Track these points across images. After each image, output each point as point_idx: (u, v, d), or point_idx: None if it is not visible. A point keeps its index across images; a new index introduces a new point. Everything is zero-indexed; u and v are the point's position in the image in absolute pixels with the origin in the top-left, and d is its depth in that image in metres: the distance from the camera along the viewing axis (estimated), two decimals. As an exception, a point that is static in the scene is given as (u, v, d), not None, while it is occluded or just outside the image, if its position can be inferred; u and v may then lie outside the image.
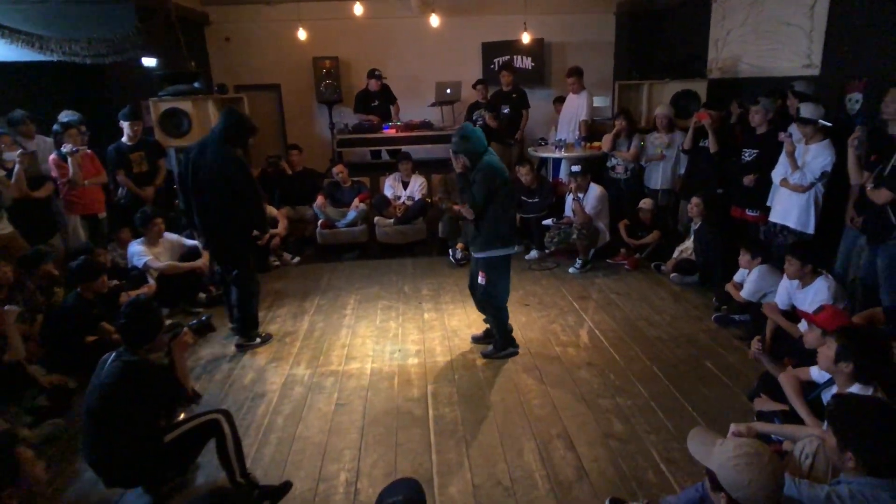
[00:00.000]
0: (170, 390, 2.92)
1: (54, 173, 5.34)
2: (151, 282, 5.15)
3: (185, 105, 6.56)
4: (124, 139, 5.90)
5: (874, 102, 4.33)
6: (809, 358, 3.05)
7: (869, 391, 2.51)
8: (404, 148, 7.53)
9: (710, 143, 5.65)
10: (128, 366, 2.74)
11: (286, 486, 2.97)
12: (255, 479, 2.94)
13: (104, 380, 2.74)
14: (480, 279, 4.12)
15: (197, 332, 3.29)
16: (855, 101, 4.97)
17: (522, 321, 4.93)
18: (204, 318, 3.55)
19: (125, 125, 5.82)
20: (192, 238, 5.71)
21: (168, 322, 3.09)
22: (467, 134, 3.92)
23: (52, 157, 5.37)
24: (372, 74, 8.07)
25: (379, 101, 8.19)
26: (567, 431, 3.40)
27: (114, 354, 2.83)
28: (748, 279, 4.50)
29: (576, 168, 6.12)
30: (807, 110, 4.52)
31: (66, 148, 5.27)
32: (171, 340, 3.02)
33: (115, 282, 4.91)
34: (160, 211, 5.57)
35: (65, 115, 5.76)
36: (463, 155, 3.91)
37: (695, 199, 5.54)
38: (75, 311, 4.14)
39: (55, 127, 5.48)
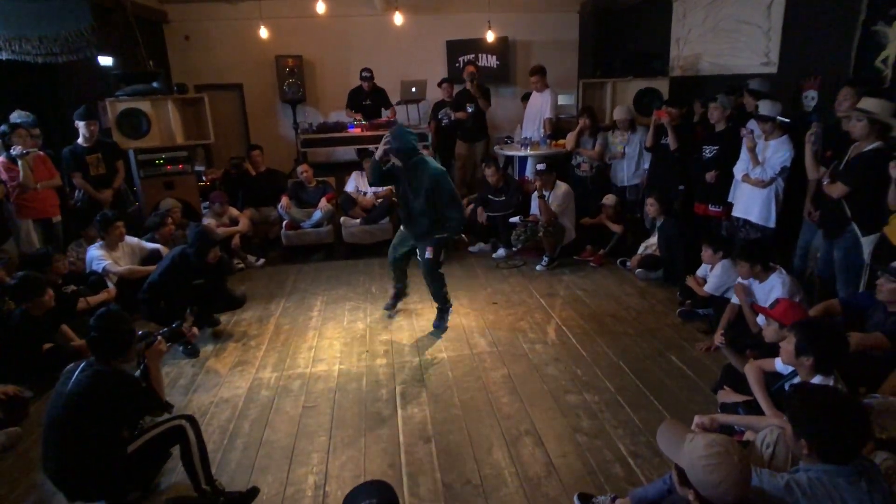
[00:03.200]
0: (143, 400, 2.83)
1: (3, 176, 5.14)
2: (111, 287, 5.01)
3: (144, 105, 6.39)
4: (80, 140, 5.73)
5: (829, 100, 4.46)
6: (770, 350, 3.12)
7: (830, 382, 2.58)
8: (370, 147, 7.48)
9: (670, 141, 5.74)
10: (100, 375, 2.65)
11: (252, 492, 2.92)
12: (220, 486, 2.88)
13: (72, 389, 2.63)
14: (427, 253, 4.55)
15: (169, 340, 3.23)
16: (811, 98, 5.11)
17: (490, 319, 4.94)
18: (174, 324, 3.49)
19: (81, 125, 5.65)
20: (154, 241, 5.60)
21: (139, 332, 3.02)
22: (399, 134, 4.42)
23: (1, 159, 5.18)
24: (361, 75, 8.03)
25: (371, 100, 8.12)
26: (535, 428, 3.41)
27: (83, 364, 2.73)
28: (712, 274, 4.58)
29: (541, 166, 6.15)
30: (765, 107, 4.64)
31: (15, 150, 5.09)
32: (145, 349, 2.95)
33: (72, 287, 4.77)
34: (120, 214, 5.43)
35: (17, 116, 5.56)
36: (394, 151, 4.41)
37: (649, 200, 5.63)
38: (23, 328, 3.96)
39: (2, 128, 5.28)
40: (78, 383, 2.64)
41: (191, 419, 2.87)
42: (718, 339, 3.55)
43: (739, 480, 1.78)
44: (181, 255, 4.52)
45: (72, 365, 2.78)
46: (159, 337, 3.06)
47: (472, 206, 6.87)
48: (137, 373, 2.94)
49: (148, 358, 2.96)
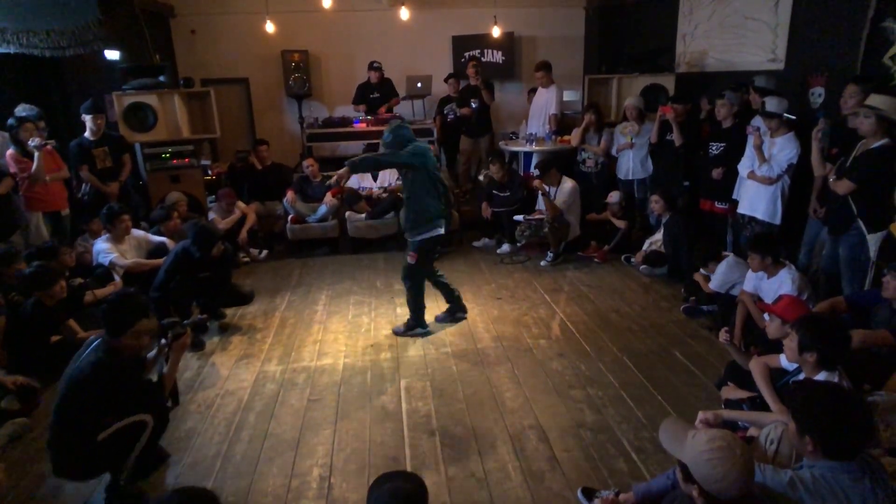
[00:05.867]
0: (138, 397, 2.81)
1: (13, 168, 5.18)
2: (117, 279, 5.03)
3: (150, 99, 6.43)
4: (87, 134, 5.76)
5: (836, 97, 4.44)
6: (774, 347, 3.12)
7: (835, 378, 2.58)
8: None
9: (675, 137, 5.73)
10: (100, 366, 2.66)
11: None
12: (137, 488, 2.91)
13: (73, 374, 2.69)
14: (410, 259, 4.42)
15: (193, 331, 3.27)
16: (818, 95, 5.09)
17: (495, 315, 4.95)
18: (199, 317, 3.52)
19: (88, 119, 5.68)
20: (160, 235, 5.62)
21: (167, 321, 3.05)
22: (395, 128, 4.28)
23: (10, 151, 5.20)
24: (371, 66, 8.03)
25: (379, 93, 8.13)
26: (539, 423, 3.43)
27: (96, 342, 2.78)
28: (716, 271, 4.58)
29: (534, 171, 6.14)
30: (771, 104, 4.62)
31: (34, 142, 5.12)
32: (173, 341, 2.98)
33: (79, 280, 4.79)
34: (126, 207, 5.45)
35: (22, 110, 5.59)
36: (389, 147, 4.27)
37: (654, 196, 5.62)
38: (35, 319, 4.00)
39: (10, 121, 5.31)
40: (79, 369, 2.69)
41: (162, 419, 2.89)
42: (723, 336, 3.54)
43: (742, 474, 1.79)
44: (183, 252, 4.55)
45: (92, 337, 2.85)
46: (188, 329, 3.08)
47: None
48: (165, 368, 3.00)
49: (174, 350, 2.99)
